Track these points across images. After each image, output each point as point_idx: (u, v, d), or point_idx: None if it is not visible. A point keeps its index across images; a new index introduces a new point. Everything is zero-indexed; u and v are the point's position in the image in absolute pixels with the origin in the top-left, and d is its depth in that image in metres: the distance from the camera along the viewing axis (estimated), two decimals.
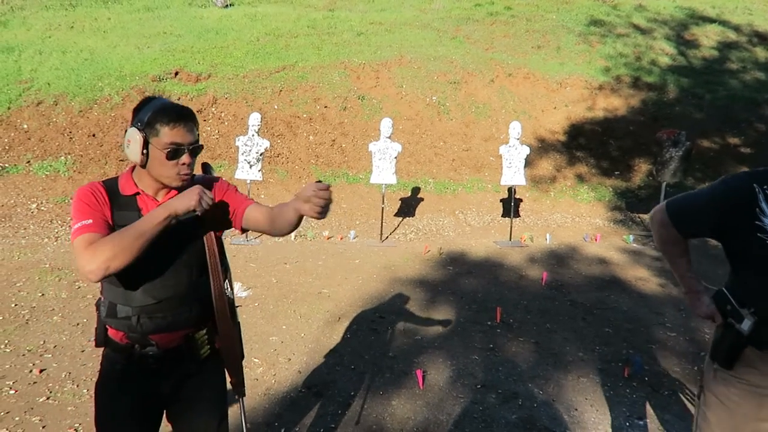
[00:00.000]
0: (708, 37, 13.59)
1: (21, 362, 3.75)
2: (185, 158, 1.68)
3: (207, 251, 1.72)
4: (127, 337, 1.72)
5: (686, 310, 4.92)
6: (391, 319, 4.69)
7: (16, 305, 4.68)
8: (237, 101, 9.63)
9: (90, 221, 1.61)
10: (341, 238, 7.30)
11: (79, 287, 5.06)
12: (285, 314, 4.74)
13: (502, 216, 8.51)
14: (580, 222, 8.57)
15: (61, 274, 5.36)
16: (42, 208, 7.35)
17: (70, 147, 8.44)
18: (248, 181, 7.30)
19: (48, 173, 8.00)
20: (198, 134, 1.75)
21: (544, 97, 11.19)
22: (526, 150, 7.63)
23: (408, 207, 8.68)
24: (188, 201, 1.57)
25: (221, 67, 10.33)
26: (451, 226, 8.12)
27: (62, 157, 8.26)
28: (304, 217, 1.59)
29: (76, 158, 8.30)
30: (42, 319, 4.44)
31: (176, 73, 9.98)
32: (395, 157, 7.37)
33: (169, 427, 1.91)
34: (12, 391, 3.38)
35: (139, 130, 1.65)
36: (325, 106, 9.99)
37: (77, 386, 3.48)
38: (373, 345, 4.20)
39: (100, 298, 1.79)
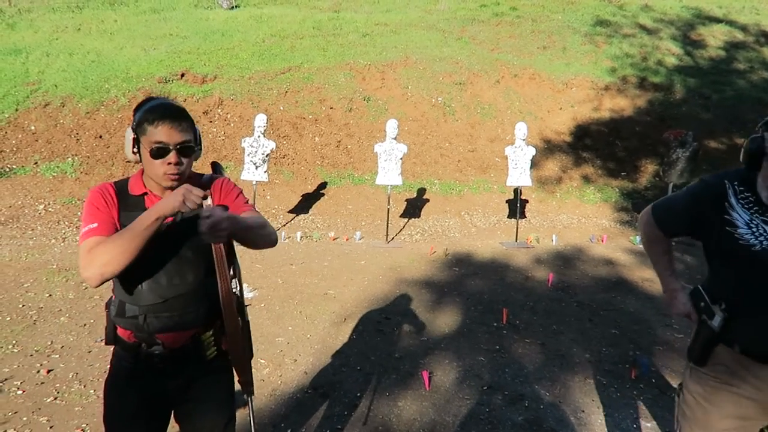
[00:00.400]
0: (715, 37, 13.53)
1: (28, 362, 3.77)
2: (171, 157, 1.66)
3: (213, 251, 1.72)
4: (134, 336, 1.73)
5: None
6: (397, 320, 4.68)
7: (23, 306, 4.70)
8: (243, 102, 9.66)
9: (95, 225, 1.64)
10: (347, 239, 7.30)
11: (86, 288, 5.07)
12: (291, 315, 4.74)
13: (508, 217, 8.49)
14: (587, 223, 8.54)
15: (68, 274, 5.39)
16: (49, 209, 7.39)
17: (77, 148, 8.48)
18: (254, 183, 7.31)
19: (55, 174, 8.04)
20: (192, 134, 1.73)
21: (549, 97, 11.17)
22: (532, 151, 7.61)
23: (414, 208, 8.67)
24: (173, 202, 1.56)
25: (227, 69, 10.36)
26: (457, 227, 8.11)
27: (69, 159, 8.30)
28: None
29: (83, 159, 8.34)
30: (49, 320, 4.46)
31: (182, 75, 10.02)
32: (401, 158, 7.37)
33: (177, 428, 1.92)
34: (20, 392, 3.39)
35: (132, 129, 1.69)
36: (331, 108, 10.00)
37: (84, 386, 3.49)
38: (379, 346, 4.19)
39: (111, 297, 1.81)
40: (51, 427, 3.06)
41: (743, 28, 13.98)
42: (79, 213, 7.34)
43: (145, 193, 1.74)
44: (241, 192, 1.93)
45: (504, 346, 4.28)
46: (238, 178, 7.45)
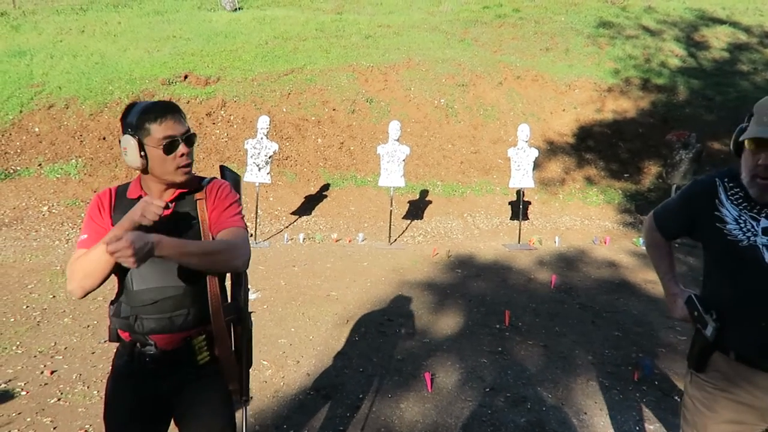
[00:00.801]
0: (718, 39, 13.50)
1: (32, 364, 3.78)
2: (182, 149, 1.71)
3: None
4: (130, 335, 1.76)
5: None
6: (399, 322, 4.69)
7: (27, 307, 4.72)
8: (246, 104, 9.68)
9: (86, 236, 1.72)
10: (350, 241, 7.31)
11: None
12: (293, 317, 4.75)
13: (511, 219, 8.49)
14: (589, 225, 8.53)
15: None
16: (53, 210, 7.42)
17: (81, 150, 8.51)
18: (257, 184, 7.33)
19: (59, 176, 8.08)
20: (188, 125, 1.77)
21: (552, 99, 11.16)
22: (535, 152, 7.61)
23: (416, 210, 8.68)
24: (132, 215, 1.58)
25: (230, 71, 10.39)
26: (460, 228, 8.11)
27: (73, 160, 8.33)
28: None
29: (86, 161, 8.37)
30: (53, 321, 4.47)
31: (185, 77, 10.05)
32: (403, 160, 7.38)
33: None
34: (23, 393, 3.41)
35: (131, 135, 1.68)
36: (334, 109, 10.01)
37: (88, 387, 3.50)
38: (382, 348, 4.20)
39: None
40: (54, 428, 3.07)
41: (747, 30, 13.95)
42: (82, 214, 7.37)
43: (140, 197, 1.75)
44: (236, 202, 1.84)
45: (506, 348, 4.28)
46: (241, 179, 7.46)
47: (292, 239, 7.23)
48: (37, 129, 8.71)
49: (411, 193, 9.04)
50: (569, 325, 4.74)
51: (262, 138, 7.30)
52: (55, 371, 3.69)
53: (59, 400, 3.36)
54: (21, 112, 8.89)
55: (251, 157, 7.27)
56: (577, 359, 4.12)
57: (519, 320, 4.80)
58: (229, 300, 1.91)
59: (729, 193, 1.77)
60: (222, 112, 9.52)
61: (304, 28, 12.69)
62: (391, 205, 7.43)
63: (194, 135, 1.77)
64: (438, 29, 13.09)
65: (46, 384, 3.53)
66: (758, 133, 1.64)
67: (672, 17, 14.45)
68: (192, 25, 12.69)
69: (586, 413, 3.42)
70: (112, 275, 1.69)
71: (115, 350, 1.87)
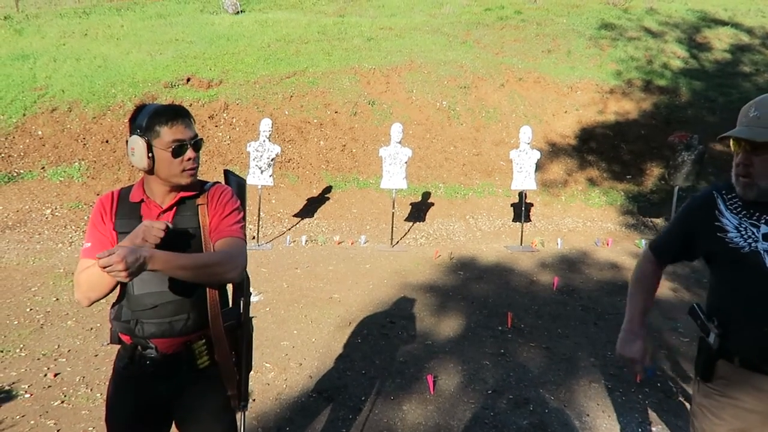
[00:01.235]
0: (720, 40, 13.49)
1: (36, 366, 3.79)
2: (189, 153, 1.74)
3: None
4: (131, 339, 1.78)
5: None
6: (401, 324, 4.69)
7: (31, 310, 4.74)
8: (248, 107, 9.70)
9: (89, 245, 1.74)
10: (352, 243, 7.31)
11: None
12: (296, 319, 4.76)
13: (513, 221, 8.48)
14: (592, 226, 8.52)
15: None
16: (56, 213, 7.44)
17: (84, 153, 8.54)
18: (259, 187, 7.34)
19: (62, 179, 8.10)
20: (195, 129, 1.80)
21: (554, 101, 11.16)
22: (537, 154, 7.61)
23: (418, 212, 8.68)
24: (134, 239, 1.59)
25: (232, 73, 10.42)
26: (462, 230, 8.11)
27: (76, 163, 8.36)
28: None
29: (89, 164, 8.40)
30: (56, 324, 4.49)
31: (188, 80, 10.08)
32: (405, 162, 7.38)
33: None
34: (27, 395, 3.42)
35: (140, 136, 1.70)
36: (336, 112, 10.03)
37: (91, 390, 3.52)
38: (384, 350, 4.20)
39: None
40: (58, 431, 3.08)
41: (749, 31, 13.93)
42: (85, 217, 7.39)
43: (142, 200, 1.78)
44: (236, 210, 1.84)
45: (509, 350, 4.28)
46: (245, 183, 7.46)
47: (294, 241, 7.24)
48: (40, 132, 8.74)
49: (413, 195, 9.04)
50: (571, 327, 4.74)
51: (264, 141, 7.31)
52: (59, 374, 3.70)
53: (62, 402, 3.37)
54: (24, 115, 8.93)
55: (254, 159, 7.29)
56: (580, 361, 4.12)
57: (521, 322, 4.80)
58: (231, 304, 1.92)
59: (728, 203, 1.80)
60: (224, 115, 9.54)
61: (306, 30, 12.72)
62: (393, 208, 7.43)
63: (201, 140, 1.80)
64: (440, 31, 13.11)
65: (49, 386, 3.54)
66: (734, 133, 1.72)
67: (674, 19, 14.44)
68: (194, 28, 12.72)
69: (588, 415, 3.41)
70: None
71: (116, 352, 1.88)
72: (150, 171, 1.73)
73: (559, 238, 7.63)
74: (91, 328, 4.42)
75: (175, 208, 1.78)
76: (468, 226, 8.30)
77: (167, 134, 1.69)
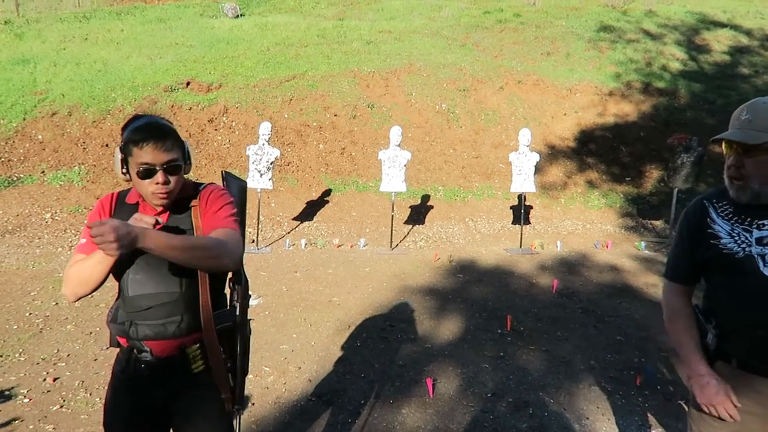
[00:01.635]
0: (719, 42, 13.51)
1: (35, 371, 3.79)
2: (159, 177, 1.68)
3: None
4: (127, 341, 1.79)
5: None
6: (401, 328, 4.69)
7: (30, 314, 4.74)
8: (247, 110, 9.71)
9: (84, 241, 1.74)
10: (351, 246, 7.31)
11: (92, 296, 5.11)
12: (295, 322, 4.75)
13: (512, 223, 8.48)
14: (591, 229, 8.52)
15: None
16: (56, 217, 7.45)
17: (84, 157, 8.55)
18: (259, 190, 7.35)
19: (62, 183, 8.11)
20: (180, 150, 1.74)
21: (554, 103, 11.17)
22: (536, 157, 7.61)
23: (418, 215, 8.68)
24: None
25: (232, 77, 10.43)
26: (461, 233, 8.11)
27: (76, 167, 8.37)
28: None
29: (89, 168, 8.40)
30: (55, 328, 4.49)
31: (188, 83, 10.09)
32: (405, 165, 7.39)
33: None
34: (26, 400, 3.42)
35: (120, 149, 1.72)
36: (335, 115, 10.04)
37: (90, 394, 3.51)
38: (383, 353, 4.20)
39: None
40: None
41: (748, 33, 13.95)
42: (85, 221, 7.39)
43: (138, 203, 1.80)
44: (229, 204, 1.83)
45: (508, 353, 4.28)
46: (246, 185, 7.46)
47: (293, 245, 7.24)
48: (40, 136, 8.75)
49: (412, 198, 9.05)
50: (571, 330, 4.74)
51: (263, 144, 7.32)
52: (58, 378, 3.70)
53: (62, 407, 3.37)
54: (24, 119, 8.94)
55: (253, 163, 7.29)
56: (579, 364, 4.12)
57: (521, 325, 4.79)
58: (228, 306, 1.91)
59: (719, 211, 1.82)
60: (224, 119, 9.55)
61: (305, 34, 12.74)
62: (393, 211, 7.43)
63: (179, 165, 1.73)
64: (439, 34, 13.13)
65: (48, 391, 3.54)
66: (726, 136, 1.74)
67: (673, 21, 14.46)
68: (194, 32, 12.75)
69: (588, 418, 3.41)
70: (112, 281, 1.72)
71: (116, 356, 1.89)
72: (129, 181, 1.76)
73: (559, 241, 7.63)
74: (91, 333, 4.42)
75: (168, 211, 1.79)
76: (467, 229, 8.30)
77: (137, 155, 1.67)
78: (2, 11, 14.68)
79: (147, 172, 1.67)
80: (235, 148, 9.13)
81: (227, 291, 1.96)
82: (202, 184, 1.89)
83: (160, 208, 1.77)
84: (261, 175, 7.30)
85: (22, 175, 8.14)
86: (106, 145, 8.73)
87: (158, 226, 1.61)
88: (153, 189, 1.70)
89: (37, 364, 3.90)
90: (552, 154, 10.28)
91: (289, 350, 4.23)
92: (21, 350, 4.08)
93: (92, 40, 12.10)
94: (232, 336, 1.87)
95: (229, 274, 1.91)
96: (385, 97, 10.59)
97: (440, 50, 12.23)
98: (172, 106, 9.45)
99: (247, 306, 1.95)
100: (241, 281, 1.91)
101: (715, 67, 12.61)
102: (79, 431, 3.13)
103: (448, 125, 10.38)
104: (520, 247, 7.36)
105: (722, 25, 14.24)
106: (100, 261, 1.61)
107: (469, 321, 4.87)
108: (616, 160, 10.30)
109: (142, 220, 1.59)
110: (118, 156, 1.72)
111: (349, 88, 10.55)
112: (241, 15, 14.71)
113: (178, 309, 1.75)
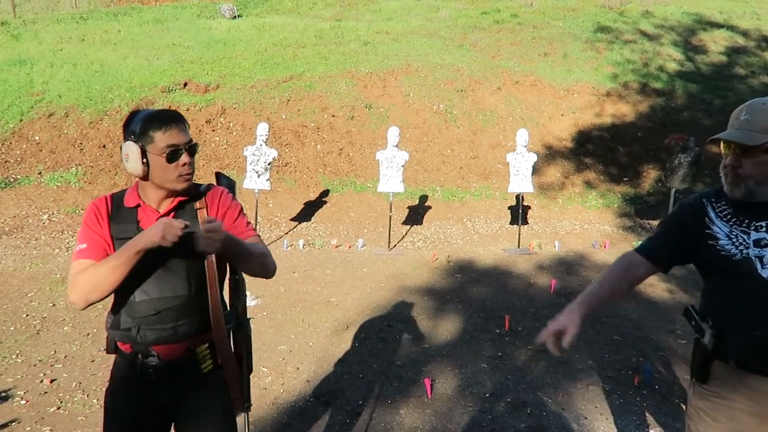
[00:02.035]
0: (716, 43, 13.54)
1: (32, 372, 3.78)
2: (184, 158, 1.72)
3: (206, 265, 1.73)
4: (131, 347, 1.75)
5: None
6: (399, 328, 4.69)
7: (27, 315, 4.72)
8: (245, 111, 9.71)
9: (85, 245, 1.70)
10: (349, 247, 7.31)
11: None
12: (293, 323, 4.75)
13: (510, 223, 8.49)
14: (589, 229, 8.53)
15: None
16: (53, 218, 7.43)
17: (81, 158, 8.53)
18: (256, 191, 7.34)
19: (59, 184, 8.09)
20: (190, 134, 1.79)
21: (551, 104, 11.19)
22: (534, 157, 7.62)
23: (416, 215, 8.68)
24: (153, 236, 1.59)
25: (229, 78, 10.42)
26: (459, 233, 8.11)
27: (73, 168, 8.35)
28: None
29: (86, 169, 8.39)
30: (53, 330, 4.48)
31: (185, 84, 10.08)
32: (402, 166, 7.39)
33: None
34: (23, 401, 3.41)
35: (134, 141, 1.69)
36: (333, 116, 10.04)
37: (87, 396, 3.50)
38: (381, 354, 4.19)
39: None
40: None
41: (744, 33, 13.99)
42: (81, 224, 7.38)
43: (138, 205, 1.76)
44: (242, 210, 1.89)
45: (506, 353, 4.28)
46: (240, 186, 7.47)
47: (291, 245, 7.23)
48: (37, 137, 8.73)
49: (410, 198, 9.05)
50: None
51: (261, 145, 7.31)
52: (55, 380, 3.69)
53: (59, 408, 3.36)
54: (21, 120, 8.92)
55: (250, 163, 7.29)
56: (578, 364, 4.12)
57: (519, 325, 4.80)
58: (228, 308, 1.92)
59: (718, 211, 1.82)
60: (221, 119, 9.55)
61: (303, 35, 12.74)
62: (391, 211, 7.43)
63: (196, 145, 1.78)
64: (436, 35, 13.14)
65: (45, 392, 3.53)
66: (725, 136, 1.75)
67: (670, 22, 14.49)
68: (191, 33, 12.74)
69: (586, 418, 3.41)
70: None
71: (114, 362, 1.86)
72: (145, 177, 1.72)
73: (557, 241, 7.63)
74: (88, 334, 4.41)
75: (173, 213, 1.77)
76: (465, 229, 8.30)
77: (161, 139, 1.68)
78: None
79: (174, 154, 1.69)
80: (232, 148, 9.12)
81: (226, 292, 1.96)
82: (202, 185, 1.88)
83: (170, 206, 1.76)
84: (259, 176, 7.29)
85: (19, 177, 8.12)
86: (104, 146, 8.72)
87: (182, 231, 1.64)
88: (180, 171, 1.72)
89: (34, 365, 3.88)
90: (549, 154, 10.29)
91: (287, 351, 4.23)
92: (18, 352, 4.07)
93: (89, 41, 12.09)
94: (237, 335, 1.89)
95: (227, 276, 1.91)
96: (382, 98, 10.60)
97: (437, 51, 12.25)
98: (170, 107, 9.44)
99: (246, 305, 1.96)
100: (240, 281, 1.91)
101: (712, 67, 12.64)
102: None
103: (446, 126, 10.38)
104: (518, 247, 7.37)
105: (719, 26, 14.28)
106: (118, 266, 1.60)
107: (468, 321, 4.87)
108: (614, 161, 10.32)
109: (173, 226, 1.59)
110: (134, 149, 1.68)
111: (347, 89, 10.55)
112: (238, 16, 14.71)
113: (186, 311, 1.74)
